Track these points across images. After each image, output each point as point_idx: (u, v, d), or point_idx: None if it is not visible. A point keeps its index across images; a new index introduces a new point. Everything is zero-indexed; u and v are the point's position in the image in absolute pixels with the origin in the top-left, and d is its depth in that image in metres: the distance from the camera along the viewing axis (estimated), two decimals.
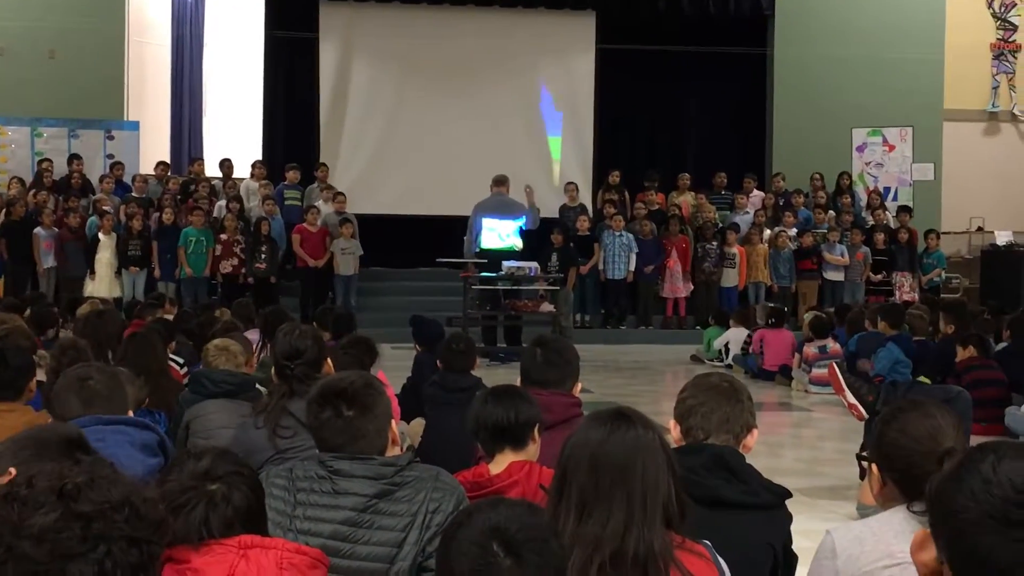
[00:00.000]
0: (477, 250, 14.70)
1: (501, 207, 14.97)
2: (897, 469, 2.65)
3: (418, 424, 6.06)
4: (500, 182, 15.19)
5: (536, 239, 15.25)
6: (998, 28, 19.33)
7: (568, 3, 18.19)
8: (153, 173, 17.02)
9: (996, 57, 19.33)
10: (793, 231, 16.95)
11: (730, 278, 16.64)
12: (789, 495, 3.13)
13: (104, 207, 15.84)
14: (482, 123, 17.95)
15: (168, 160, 17.95)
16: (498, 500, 1.99)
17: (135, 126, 17.58)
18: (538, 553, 1.84)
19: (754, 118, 18.96)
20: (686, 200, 17.65)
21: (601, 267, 16.30)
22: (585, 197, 17.60)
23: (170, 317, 9.82)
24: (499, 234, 14.75)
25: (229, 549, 2.25)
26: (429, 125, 17.90)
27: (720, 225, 17.06)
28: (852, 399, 7.03)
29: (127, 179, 16.73)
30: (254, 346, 7.06)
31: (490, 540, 1.84)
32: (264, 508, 2.50)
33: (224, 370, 5.23)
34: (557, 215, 16.84)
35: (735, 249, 16.62)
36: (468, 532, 1.86)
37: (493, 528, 1.85)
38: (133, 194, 16.32)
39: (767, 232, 16.93)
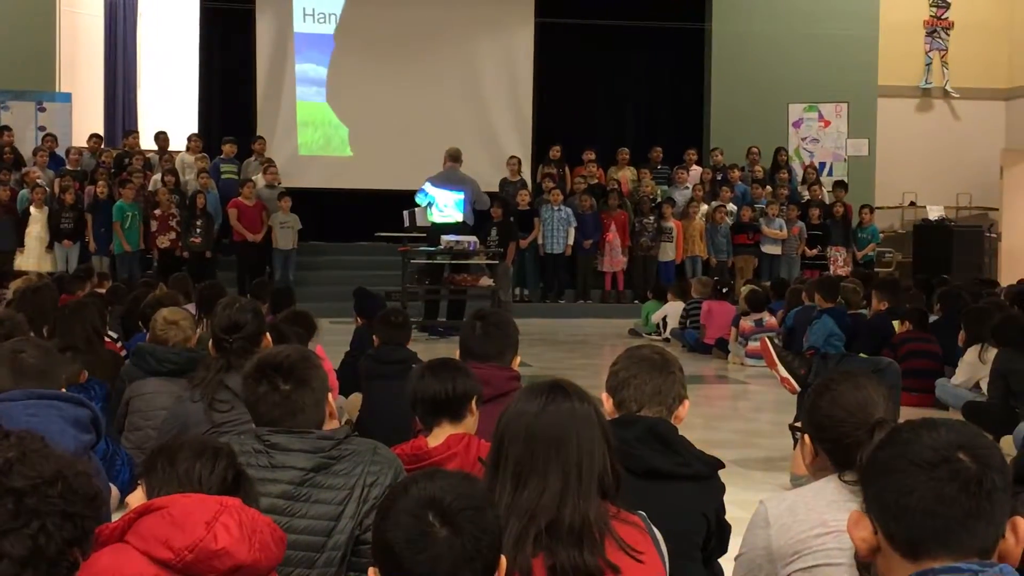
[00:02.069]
0: (429, 223, 14.60)
1: (445, 179, 14.87)
2: (829, 439, 2.69)
3: (357, 398, 6.05)
4: (454, 157, 15.04)
5: (476, 213, 15.21)
6: (931, 5, 19.56)
7: None
8: (86, 146, 16.75)
9: (929, 34, 19.57)
10: (731, 206, 17.09)
11: (667, 252, 16.76)
12: (722, 465, 3.17)
13: (36, 180, 15.58)
14: (421, 96, 17.84)
15: (102, 132, 17.67)
16: (434, 471, 2.01)
17: (67, 98, 17.26)
18: (474, 522, 1.86)
19: (692, 93, 19.05)
20: (625, 175, 17.71)
21: (540, 241, 16.34)
22: (525, 171, 17.59)
23: (102, 291, 9.70)
24: (437, 204, 14.65)
25: (210, 499, 2.26)
26: (367, 98, 17.77)
27: (658, 200, 17.15)
28: (784, 372, 7.10)
29: (60, 151, 16.45)
30: None
31: (426, 510, 1.85)
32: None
33: (170, 348, 5.14)
34: (497, 189, 16.83)
35: (672, 223, 16.73)
36: (404, 503, 1.88)
37: (429, 499, 1.87)
38: (67, 167, 16.06)
39: (704, 207, 17.06)
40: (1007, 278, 15.74)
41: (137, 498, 2.33)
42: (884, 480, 1.68)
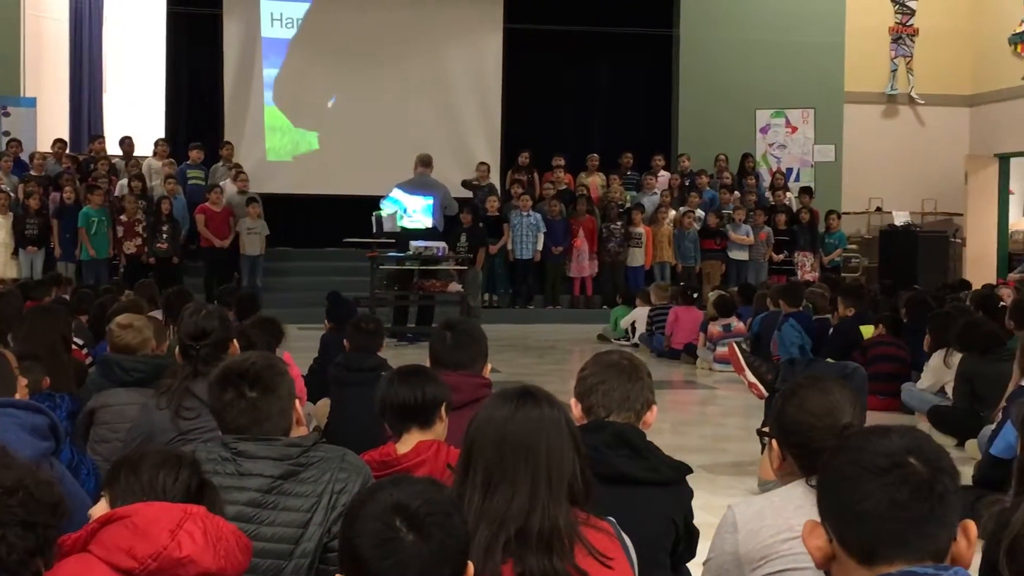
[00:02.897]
0: (399, 228, 14.57)
1: (415, 185, 14.84)
2: (796, 444, 2.70)
3: (324, 405, 6.03)
4: (424, 162, 15.00)
5: (445, 219, 15.19)
6: (896, 12, 19.74)
7: None
8: (51, 151, 16.59)
9: (894, 41, 19.74)
10: (699, 212, 17.14)
11: (637, 258, 16.79)
12: (690, 471, 3.19)
13: (0, 186, 15.43)
14: (390, 102, 17.82)
15: (67, 137, 17.52)
16: (401, 477, 2.00)
17: (32, 102, 17.11)
18: (441, 527, 1.85)
19: (660, 99, 19.11)
20: (595, 180, 17.75)
21: (510, 247, 16.33)
22: (494, 177, 17.59)
23: (66, 297, 9.62)
24: (406, 209, 14.60)
25: (175, 508, 2.24)
26: (336, 103, 17.73)
27: (626, 205, 17.19)
28: (752, 378, 7.13)
29: (24, 157, 16.29)
30: None
31: (393, 516, 1.84)
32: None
33: (136, 357, 5.06)
34: (467, 195, 16.81)
35: (641, 229, 16.77)
36: (371, 509, 1.87)
37: (396, 504, 1.86)
38: (32, 172, 15.92)
39: (672, 212, 17.11)
40: (972, 283, 15.86)
41: (100, 509, 2.31)
42: (838, 487, 1.71)
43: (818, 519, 1.78)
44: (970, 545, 1.70)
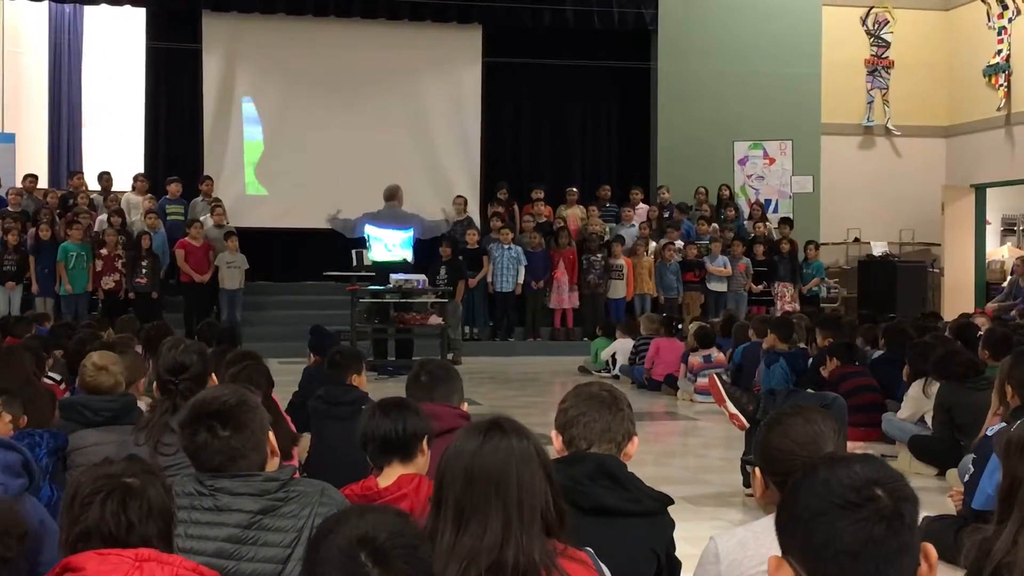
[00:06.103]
0: (371, 261, 14.58)
1: (390, 218, 14.87)
2: (780, 472, 2.70)
3: (305, 439, 5.98)
4: (393, 195, 15.02)
5: (424, 252, 15.20)
6: (871, 45, 19.91)
7: (454, 16, 18.18)
8: (22, 186, 16.51)
9: (870, 73, 19.91)
10: (679, 243, 17.19)
11: (618, 290, 16.82)
12: (671, 501, 3.18)
13: None
14: (369, 136, 17.84)
15: (46, 172, 17.45)
16: (366, 508, 1.97)
17: (10, 138, 17.09)
18: (407, 561, 1.82)
19: (638, 131, 19.21)
20: (574, 213, 17.78)
21: (490, 280, 16.33)
22: (473, 210, 17.61)
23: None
24: (385, 244, 14.64)
25: (125, 560, 2.19)
26: (315, 137, 17.73)
27: (605, 237, 17.22)
28: (733, 409, 7.12)
29: (3, 193, 16.23)
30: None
31: (358, 550, 1.82)
32: (173, 513, 2.44)
33: (103, 398, 4.99)
34: (446, 228, 16.85)
35: (622, 261, 16.80)
36: (335, 540, 1.84)
37: (361, 537, 1.83)
38: (8, 208, 15.85)
39: (652, 244, 17.16)
40: (949, 312, 15.95)
41: None
42: (808, 523, 1.69)
43: (775, 556, 1.77)
44: (931, 568, 1.71)
